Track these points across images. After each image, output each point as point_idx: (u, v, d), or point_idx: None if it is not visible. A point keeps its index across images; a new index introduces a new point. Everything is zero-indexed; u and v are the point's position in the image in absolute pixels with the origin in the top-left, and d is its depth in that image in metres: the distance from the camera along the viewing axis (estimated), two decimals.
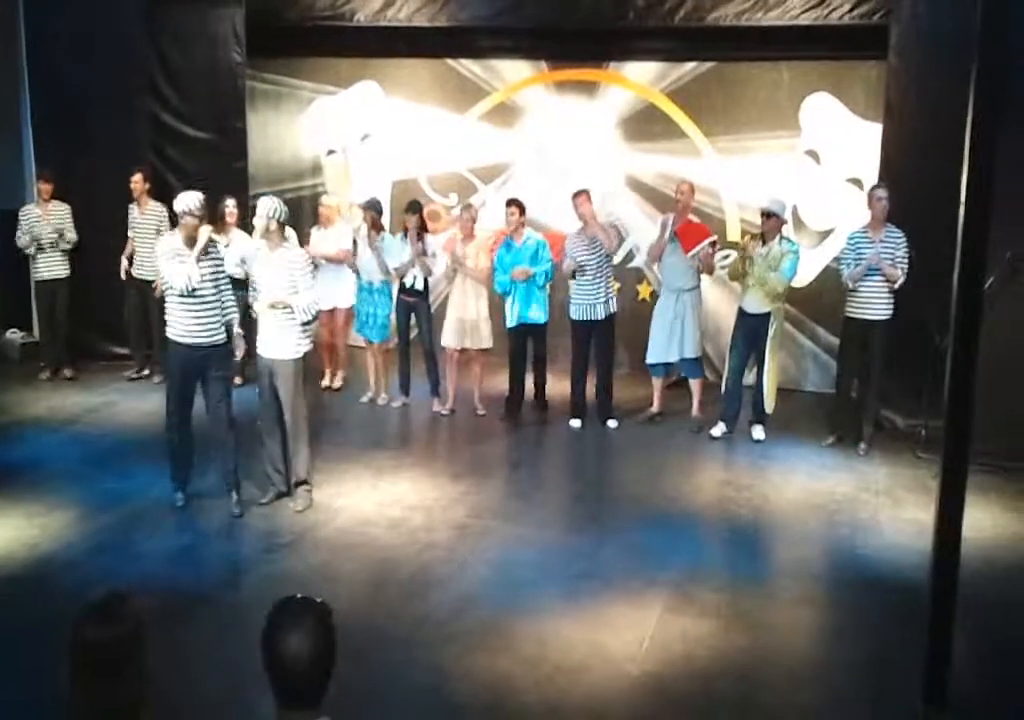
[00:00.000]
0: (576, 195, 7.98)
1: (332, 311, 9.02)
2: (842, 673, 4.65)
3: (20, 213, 9.18)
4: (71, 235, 9.21)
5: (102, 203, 9.24)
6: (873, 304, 7.42)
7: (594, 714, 4.26)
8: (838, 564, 5.86)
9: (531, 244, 8.07)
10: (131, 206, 9.16)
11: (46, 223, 9.10)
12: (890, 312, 7.42)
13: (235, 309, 6.33)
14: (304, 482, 6.47)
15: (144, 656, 2.19)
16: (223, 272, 6.26)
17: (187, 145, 9.50)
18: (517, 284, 8.06)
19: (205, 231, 6.09)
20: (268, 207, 6.20)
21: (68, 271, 9.26)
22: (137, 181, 9.02)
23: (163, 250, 6.10)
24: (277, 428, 6.42)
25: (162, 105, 9.48)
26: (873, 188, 7.57)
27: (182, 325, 6.09)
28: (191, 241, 6.05)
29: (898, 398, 7.91)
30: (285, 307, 6.17)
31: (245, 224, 8.95)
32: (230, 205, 8.62)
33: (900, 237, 7.35)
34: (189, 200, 6.06)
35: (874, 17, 7.85)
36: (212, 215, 8.28)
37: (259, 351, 6.37)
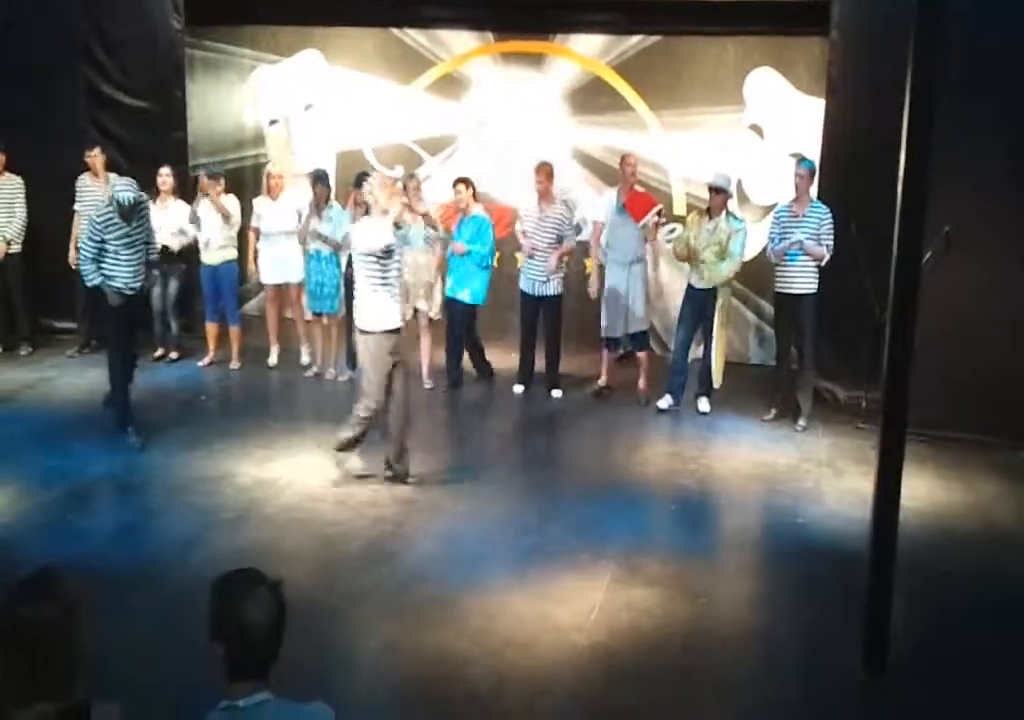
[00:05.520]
0: (538, 169, 8.02)
1: (283, 286, 8.87)
2: (784, 641, 4.74)
3: None
4: (20, 210, 8.86)
5: (39, 175, 8.91)
6: (798, 279, 7.48)
7: (543, 684, 4.31)
8: (780, 534, 5.96)
9: (477, 221, 8.09)
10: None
11: None
12: (815, 287, 7.48)
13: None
14: None
15: (78, 634, 2.15)
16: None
17: (125, 115, 9.24)
18: (457, 260, 8.08)
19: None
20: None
21: (20, 247, 8.92)
22: (95, 156, 8.73)
23: None
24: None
25: (99, 74, 9.21)
26: (796, 163, 7.64)
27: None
28: None
29: (839, 370, 8.03)
30: None
31: (185, 195, 8.80)
32: (163, 173, 8.50)
33: (824, 213, 7.39)
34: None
35: None
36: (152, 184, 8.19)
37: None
